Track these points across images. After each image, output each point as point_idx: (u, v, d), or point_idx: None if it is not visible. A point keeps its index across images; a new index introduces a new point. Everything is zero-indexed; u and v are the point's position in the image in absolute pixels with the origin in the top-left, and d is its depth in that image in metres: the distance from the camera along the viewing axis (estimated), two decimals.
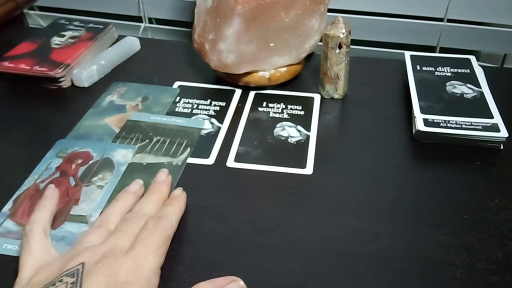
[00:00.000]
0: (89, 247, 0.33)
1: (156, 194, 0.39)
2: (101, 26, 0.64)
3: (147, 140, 0.47)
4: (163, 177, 0.41)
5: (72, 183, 0.42)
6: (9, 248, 0.37)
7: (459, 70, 0.53)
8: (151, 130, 0.49)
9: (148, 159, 0.45)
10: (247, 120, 0.50)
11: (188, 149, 0.46)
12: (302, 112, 0.51)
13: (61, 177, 0.43)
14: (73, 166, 0.44)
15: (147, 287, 0.32)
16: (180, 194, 0.40)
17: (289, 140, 0.47)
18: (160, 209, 0.38)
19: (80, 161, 0.44)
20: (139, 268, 0.32)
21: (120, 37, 0.64)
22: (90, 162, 0.44)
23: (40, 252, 0.34)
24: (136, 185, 0.41)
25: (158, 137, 0.48)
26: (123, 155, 0.45)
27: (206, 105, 0.52)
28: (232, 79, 0.54)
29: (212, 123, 0.50)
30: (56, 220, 0.39)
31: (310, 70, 0.58)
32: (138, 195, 0.40)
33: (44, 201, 0.38)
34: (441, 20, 0.65)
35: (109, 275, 0.31)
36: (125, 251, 0.33)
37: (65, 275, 0.31)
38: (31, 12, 0.78)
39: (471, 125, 0.45)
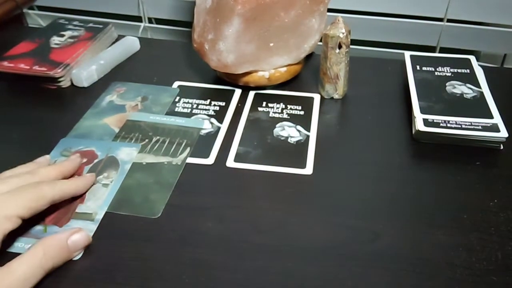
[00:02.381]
0: None
1: (58, 166, 0.41)
2: (101, 26, 0.64)
3: (146, 140, 0.47)
4: (73, 157, 0.44)
5: None
6: (16, 245, 0.37)
7: (459, 70, 0.53)
8: (151, 129, 0.48)
9: (148, 158, 0.45)
10: (247, 120, 0.50)
11: (188, 149, 0.46)
12: (302, 112, 0.51)
13: None
14: None
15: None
16: (88, 176, 0.42)
17: (289, 140, 0.47)
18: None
19: (85, 160, 0.44)
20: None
21: (120, 37, 0.64)
22: (95, 161, 0.44)
23: None
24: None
25: (158, 137, 0.48)
26: (128, 154, 0.45)
27: (206, 105, 0.52)
28: (232, 79, 0.54)
29: (211, 123, 0.50)
30: (62, 218, 0.39)
31: (310, 70, 0.58)
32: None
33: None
34: (441, 20, 0.65)
35: None
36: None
37: None
38: (30, 11, 0.78)
39: (471, 125, 0.45)
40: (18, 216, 0.35)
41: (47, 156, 0.44)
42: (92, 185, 0.42)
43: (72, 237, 0.35)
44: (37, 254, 0.33)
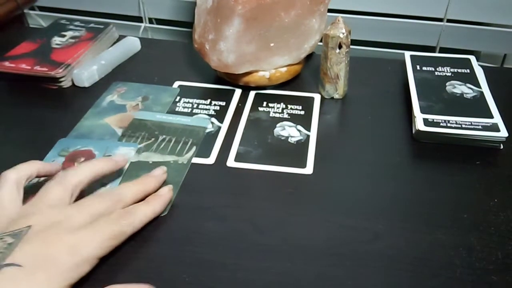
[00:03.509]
0: (43, 208, 0.34)
1: (141, 185, 0.39)
2: (102, 26, 0.64)
3: (152, 139, 0.47)
4: (158, 173, 0.41)
5: None
6: None
7: (459, 70, 0.53)
8: (157, 128, 0.49)
9: (154, 157, 0.45)
10: (247, 120, 0.50)
11: (194, 148, 0.46)
12: (302, 112, 0.51)
13: None
14: (76, 164, 0.44)
15: (74, 271, 0.32)
16: (164, 194, 0.39)
17: (289, 140, 0.47)
18: (136, 204, 0.38)
19: (82, 159, 0.45)
20: (76, 251, 0.32)
21: (121, 37, 0.64)
22: None
23: (5, 200, 0.35)
24: (120, 157, 0.42)
25: (164, 136, 0.48)
26: (125, 153, 0.45)
27: (206, 104, 0.52)
28: (232, 79, 0.54)
29: (212, 122, 0.50)
30: None
31: (310, 70, 0.58)
32: (117, 167, 0.41)
33: (34, 162, 0.39)
34: (441, 20, 0.65)
35: (45, 247, 0.31)
36: (74, 228, 0.33)
37: (8, 235, 0.31)
38: (31, 12, 0.78)
39: (471, 125, 0.45)
40: (97, 258, 0.33)
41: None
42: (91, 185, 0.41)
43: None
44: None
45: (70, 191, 0.36)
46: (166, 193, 0.40)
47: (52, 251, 0.31)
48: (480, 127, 0.45)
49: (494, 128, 0.45)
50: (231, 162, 0.45)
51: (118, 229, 0.35)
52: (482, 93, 0.50)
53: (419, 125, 0.46)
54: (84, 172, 0.38)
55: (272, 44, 0.50)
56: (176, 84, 0.56)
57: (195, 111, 0.52)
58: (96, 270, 0.35)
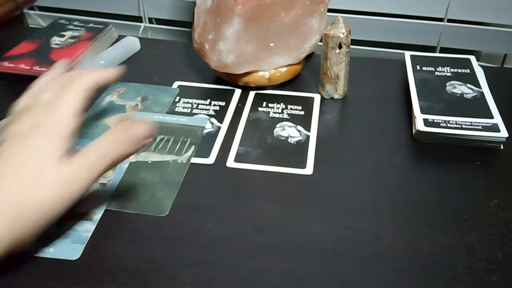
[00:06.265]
0: (18, 109, 0.38)
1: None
2: (101, 26, 0.64)
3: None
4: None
5: None
6: None
7: (459, 70, 0.53)
8: (155, 128, 0.49)
9: (153, 157, 0.45)
10: (247, 120, 0.50)
11: (193, 147, 0.46)
12: (302, 112, 0.51)
13: None
14: None
15: (58, 131, 0.34)
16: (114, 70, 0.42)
17: (289, 140, 0.47)
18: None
19: None
20: (52, 114, 0.35)
21: (120, 37, 0.64)
22: None
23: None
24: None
25: (162, 136, 0.48)
26: None
27: (206, 105, 0.52)
28: (232, 79, 0.54)
29: (212, 123, 0.50)
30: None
31: (310, 70, 0.58)
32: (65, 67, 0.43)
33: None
34: (441, 20, 0.65)
35: (26, 121, 0.35)
36: (43, 104, 0.36)
37: None
38: (31, 12, 0.78)
39: (471, 125, 0.45)
40: (75, 113, 0.36)
41: (68, 60, 0.44)
42: None
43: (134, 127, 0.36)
44: (100, 144, 0.35)
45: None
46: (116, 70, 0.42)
47: (32, 123, 0.35)
48: (480, 127, 0.45)
49: (494, 128, 0.45)
50: (231, 163, 0.45)
51: (79, 83, 0.37)
52: (482, 93, 0.49)
53: (419, 125, 0.45)
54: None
55: (272, 44, 0.50)
56: (176, 84, 0.56)
57: (194, 111, 0.52)
58: (97, 270, 0.35)
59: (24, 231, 0.32)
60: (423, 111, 0.47)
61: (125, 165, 0.44)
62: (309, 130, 0.48)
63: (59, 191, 0.33)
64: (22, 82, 0.56)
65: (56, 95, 0.37)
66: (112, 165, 0.35)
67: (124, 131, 0.35)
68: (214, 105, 0.52)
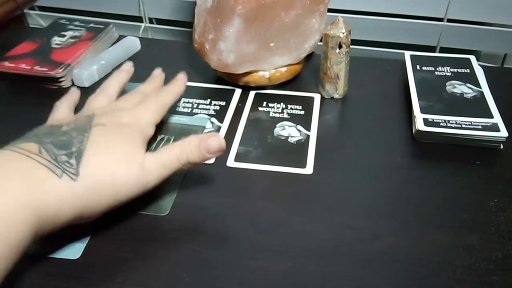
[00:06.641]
0: (97, 107, 0.42)
1: (152, 84, 0.48)
2: (102, 26, 0.64)
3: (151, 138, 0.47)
4: (158, 73, 0.50)
5: None
6: None
7: (459, 70, 0.53)
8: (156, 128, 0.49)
9: None
10: (247, 119, 0.50)
11: None
12: (302, 112, 0.51)
13: None
14: None
15: (142, 132, 0.39)
16: (180, 78, 0.48)
17: (289, 139, 0.47)
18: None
19: None
20: (138, 119, 0.40)
21: (121, 37, 0.64)
22: None
23: (63, 112, 0.44)
24: (128, 64, 0.50)
25: (163, 135, 0.48)
26: None
27: (206, 104, 0.52)
28: (232, 79, 0.54)
29: (212, 122, 0.50)
30: None
31: (310, 70, 0.58)
32: (131, 73, 0.50)
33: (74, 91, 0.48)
34: (441, 20, 0.65)
35: (113, 118, 0.39)
36: (128, 109, 0.41)
37: (78, 120, 0.39)
38: (31, 12, 0.78)
39: (471, 124, 0.45)
40: (155, 124, 0.42)
41: (130, 62, 0.51)
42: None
43: (207, 140, 0.38)
44: (174, 148, 0.38)
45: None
46: (182, 77, 0.48)
47: (120, 119, 0.39)
48: (480, 127, 0.45)
49: (494, 128, 0.45)
50: (231, 162, 0.45)
51: (159, 100, 0.44)
52: (482, 93, 0.50)
53: (419, 125, 0.46)
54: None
55: (272, 44, 0.50)
56: None
57: (195, 111, 0.52)
58: (97, 270, 0.35)
59: (98, 203, 0.35)
60: (423, 110, 0.47)
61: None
62: (309, 130, 0.49)
63: (140, 173, 0.36)
64: (23, 82, 0.56)
65: (142, 104, 0.42)
66: (183, 168, 0.39)
67: (205, 140, 0.38)
68: (215, 104, 0.52)
